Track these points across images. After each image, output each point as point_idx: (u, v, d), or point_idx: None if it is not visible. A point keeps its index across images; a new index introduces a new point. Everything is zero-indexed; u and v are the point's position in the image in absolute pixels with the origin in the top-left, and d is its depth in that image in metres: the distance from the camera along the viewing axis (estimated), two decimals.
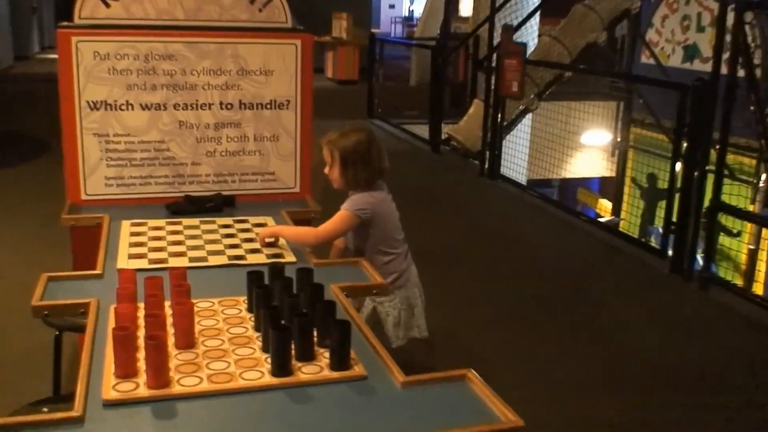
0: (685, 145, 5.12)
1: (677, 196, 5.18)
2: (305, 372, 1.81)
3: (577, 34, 8.12)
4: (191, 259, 2.62)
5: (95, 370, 1.79)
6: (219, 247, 2.76)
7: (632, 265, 5.46)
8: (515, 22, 8.23)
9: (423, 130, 9.27)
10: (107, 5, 3.27)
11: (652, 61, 9.87)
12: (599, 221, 7.60)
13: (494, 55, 7.39)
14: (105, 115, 3.24)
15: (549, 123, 7.88)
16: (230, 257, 2.65)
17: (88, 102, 3.22)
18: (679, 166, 5.24)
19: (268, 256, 2.68)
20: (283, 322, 1.90)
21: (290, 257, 2.68)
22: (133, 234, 2.87)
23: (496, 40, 7.68)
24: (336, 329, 1.81)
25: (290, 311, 1.93)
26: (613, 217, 9.59)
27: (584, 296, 4.84)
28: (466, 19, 16.12)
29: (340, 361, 1.82)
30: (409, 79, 13.80)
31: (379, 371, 1.85)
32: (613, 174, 10.28)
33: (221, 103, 3.35)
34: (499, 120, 7.29)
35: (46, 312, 2.18)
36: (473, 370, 1.82)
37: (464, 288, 4.93)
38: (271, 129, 3.42)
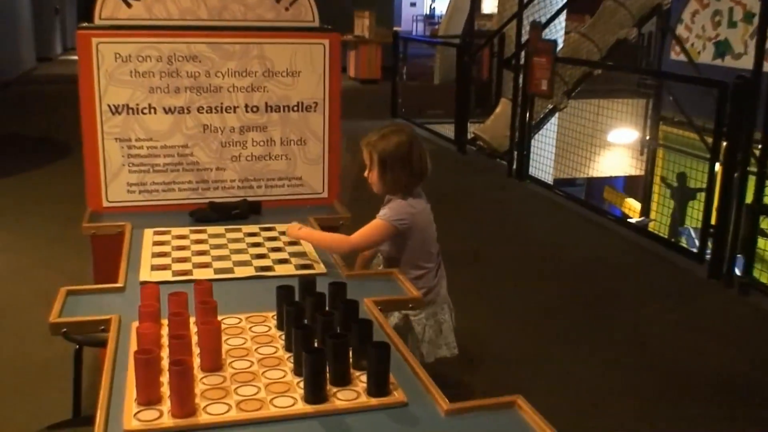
0: (724, 144, 4.93)
1: (716, 197, 5.00)
2: (341, 398, 1.67)
3: (607, 30, 7.92)
4: (216, 271, 2.50)
5: (116, 393, 1.68)
6: (245, 257, 2.64)
7: (667, 269, 5.28)
8: (542, 19, 8.05)
9: (448, 130, 9.12)
10: (128, 5, 3.17)
11: (681, 57, 9.64)
12: (631, 223, 7.41)
13: (522, 53, 7.22)
14: (127, 119, 3.13)
15: (575, 121, 7.70)
16: (257, 268, 2.53)
17: (109, 106, 3.11)
18: (717, 166, 5.05)
19: (297, 267, 2.55)
20: (316, 343, 1.78)
21: (320, 268, 2.55)
22: (156, 243, 2.76)
23: (523, 37, 7.52)
24: (374, 352, 1.67)
25: (324, 331, 1.80)
26: (643, 217, 9.38)
27: (618, 301, 4.68)
28: (489, 16, 15.95)
29: (378, 387, 1.69)
30: (433, 77, 13.64)
31: (420, 397, 1.71)
32: (640, 173, 10.07)
33: (246, 106, 3.23)
34: (527, 119, 7.12)
35: (64, 329, 2.07)
36: (522, 397, 1.68)
37: (492, 290, 4.79)
38: (298, 132, 3.29)
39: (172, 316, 1.84)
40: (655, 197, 10.09)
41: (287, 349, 1.90)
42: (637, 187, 11.57)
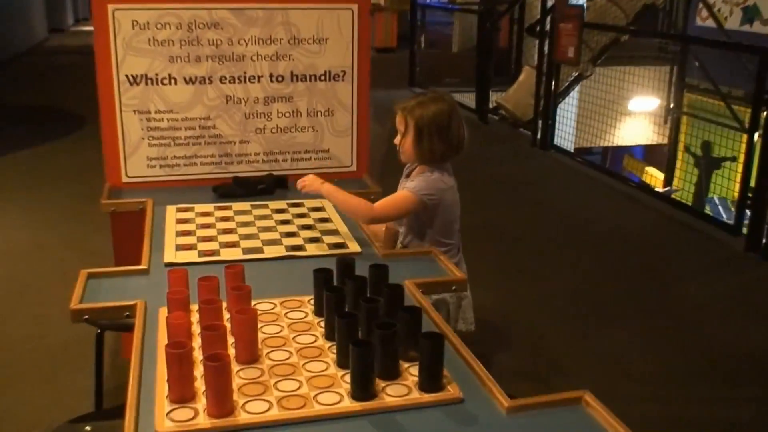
0: (765, 114, 4.73)
1: (754, 167, 4.80)
2: (391, 394, 1.53)
3: None
4: (245, 250, 2.35)
5: (145, 389, 1.54)
6: (274, 235, 2.49)
7: (700, 241, 5.10)
8: None
9: (467, 99, 8.90)
10: None
11: (707, 23, 9.36)
12: (660, 192, 7.21)
13: (547, 19, 6.99)
14: (146, 90, 2.97)
15: (597, 88, 7.48)
16: (288, 247, 2.38)
17: (127, 76, 2.95)
18: (756, 136, 4.85)
19: (330, 246, 2.40)
20: (360, 333, 1.63)
21: (354, 247, 2.40)
22: (179, 221, 2.61)
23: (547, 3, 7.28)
24: (427, 344, 1.53)
25: (368, 319, 1.66)
26: (668, 188, 9.18)
27: (653, 276, 4.51)
28: None
29: (431, 381, 1.54)
30: (451, 45, 13.36)
31: (477, 392, 1.57)
32: (660, 141, 9.84)
33: (271, 76, 3.06)
34: (552, 87, 6.91)
35: (86, 316, 1.93)
36: (590, 393, 1.53)
37: (521, 266, 4.64)
38: (325, 102, 3.13)
39: (204, 304, 1.70)
40: (679, 165, 9.88)
41: (327, 337, 1.76)
42: (657, 155, 11.34)
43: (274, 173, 3.05)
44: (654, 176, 10.60)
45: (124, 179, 3.04)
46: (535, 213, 5.68)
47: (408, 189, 2.48)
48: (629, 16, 7.67)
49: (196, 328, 1.76)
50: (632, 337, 3.74)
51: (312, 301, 1.95)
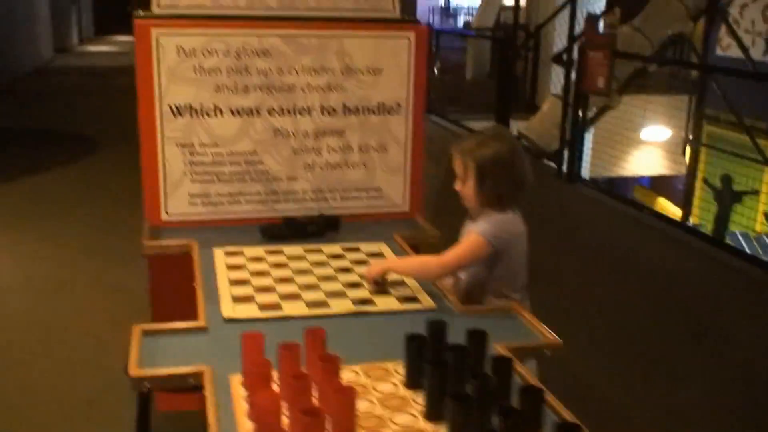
0: None
1: None
2: None
3: (661, 24, 7.50)
4: (309, 304, 2.14)
5: None
6: (336, 286, 2.28)
7: (749, 283, 4.88)
8: (590, 10, 7.62)
9: (479, 127, 8.70)
10: None
11: (729, 53, 9.24)
12: (700, 231, 7.00)
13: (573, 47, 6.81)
14: (190, 122, 2.77)
15: (612, 116, 7.31)
16: (355, 301, 2.17)
17: (170, 107, 2.74)
18: None
19: (400, 300, 2.19)
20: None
21: (426, 301, 2.19)
22: (230, 267, 2.40)
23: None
24: None
25: (481, 401, 1.44)
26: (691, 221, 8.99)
27: (706, 320, 4.29)
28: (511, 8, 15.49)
29: None
30: (464, 72, 13.20)
31: None
32: (673, 172, 9.68)
33: (322, 108, 2.86)
34: (580, 118, 6.72)
35: (149, 385, 1.71)
36: None
37: (561, 310, 4.41)
38: (377, 137, 2.92)
39: (291, 381, 1.48)
40: (697, 197, 9.69)
41: (429, 417, 1.54)
42: (666, 185, 11.17)
43: (324, 213, 2.84)
44: (665, 207, 10.41)
45: (164, 217, 2.82)
46: (567, 250, 5.46)
47: (475, 232, 2.26)
48: (654, 46, 7.50)
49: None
50: (699, 390, 3.51)
51: (401, 371, 1.72)
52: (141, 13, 2.80)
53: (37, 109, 10.77)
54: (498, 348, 1.83)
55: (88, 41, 21.66)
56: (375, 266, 2.29)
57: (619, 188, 11.92)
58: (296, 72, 2.82)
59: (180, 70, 2.73)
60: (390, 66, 2.88)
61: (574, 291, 4.69)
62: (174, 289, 2.60)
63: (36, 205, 6.07)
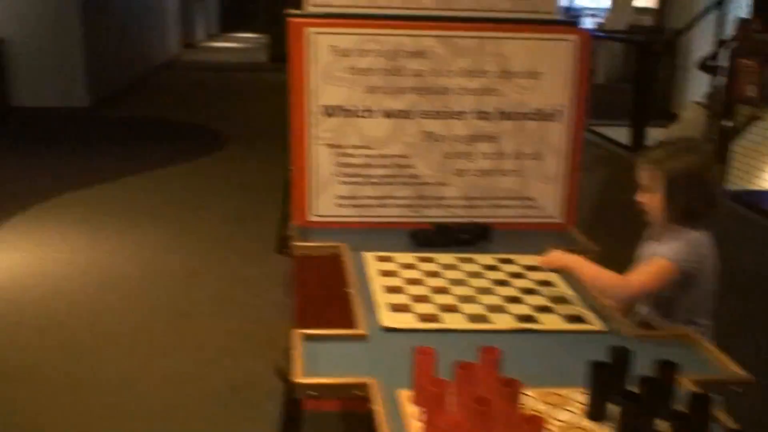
0: None
1: None
2: None
3: None
4: (469, 318, 2.04)
5: None
6: (494, 299, 2.17)
7: None
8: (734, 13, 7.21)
9: (617, 134, 8.38)
10: None
11: None
12: None
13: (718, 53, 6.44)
14: (342, 122, 2.72)
15: (763, 129, 6.86)
16: (517, 318, 2.05)
17: (323, 107, 2.71)
18: None
19: (566, 319, 2.06)
20: None
21: (594, 321, 2.05)
22: (383, 273, 2.33)
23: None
24: None
25: None
26: None
27: None
28: (644, 10, 14.92)
29: None
30: (596, 75, 12.81)
31: None
32: None
33: (476, 112, 2.76)
34: (729, 128, 6.35)
35: (315, 393, 1.66)
36: None
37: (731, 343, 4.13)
38: (533, 145, 2.80)
39: (477, 405, 1.38)
40: None
41: None
42: None
43: (473, 220, 2.74)
44: None
45: (311, 218, 2.79)
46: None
47: (664, 255, 2.10)
48: None
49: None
50: None
51: (576, 397, 1.60)
52: (294, 11, 2.78)
53: (169, 102, 11.18)
54: (683, 381, 1.68)
55: (213, 37, 22.40)
56: (559, 257, 2.23)
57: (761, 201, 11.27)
58: (451, 74, 2.73)
59: (333, 69, 2.69)
60: (550, 70, 2.75)
61: (733, 319, 4.40)
62: (320, 290, 2.57)
63: (169, 196, 6.25)
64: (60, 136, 8.67)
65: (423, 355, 1.56)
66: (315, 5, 2.77)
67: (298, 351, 1.79)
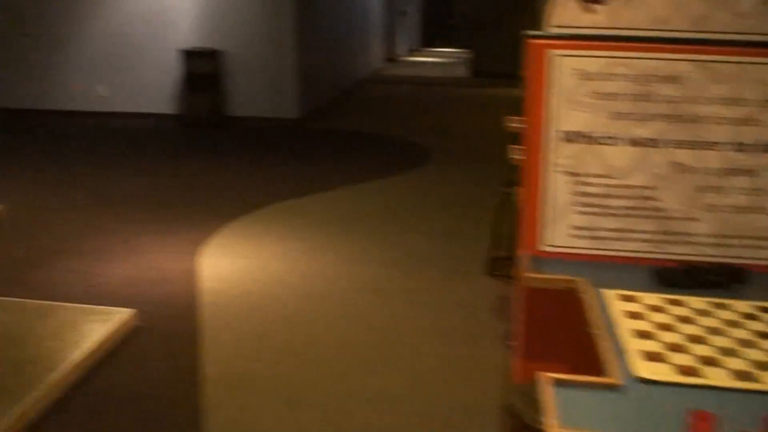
0: None
1: None
2: None
3: None
4: (734, 374, 1.84)
5: None
6: (760, 355, 1.95)
7: None
8: None
9: None
10: (592, 11, 2.62)
11: None
12: None
13: None
14: (582, 149, 2.59)
15: None
16: None
17: (563, 132, 2.59)
18: None
19: None
20: None
21: None
22: (628, 315, 2.17)
23: None
24: None
25: None
26: None
27: None
28: None
29: None
30: None
31: None
32: None
33: (733, 143, 2.53)
34: None
35: None
36: None
37: None
38: None
39: None
40: None
41: None
42: None
43: (728, 261, 2.51)
44: None
45: (543, 247, 2.67)
46: None
47: None
48: None
49: None
50: None
51: None
52: (535, 32, 2.69)
53: (369, 115, 11.48)
54: None
55: (413, 52, 22.84)
56: None
57: None
58: (706, 102, 2.52)
59: (576, 94, 2.57)
60: None
61: None
62: (550, 326, 2.46)
63: (376, 209, 6.36)
64: (272, 146, 9.13)
65: (702, 422, 1.40)
66: (559, 26, 2.67)
67: (550, 398, 1.68)
